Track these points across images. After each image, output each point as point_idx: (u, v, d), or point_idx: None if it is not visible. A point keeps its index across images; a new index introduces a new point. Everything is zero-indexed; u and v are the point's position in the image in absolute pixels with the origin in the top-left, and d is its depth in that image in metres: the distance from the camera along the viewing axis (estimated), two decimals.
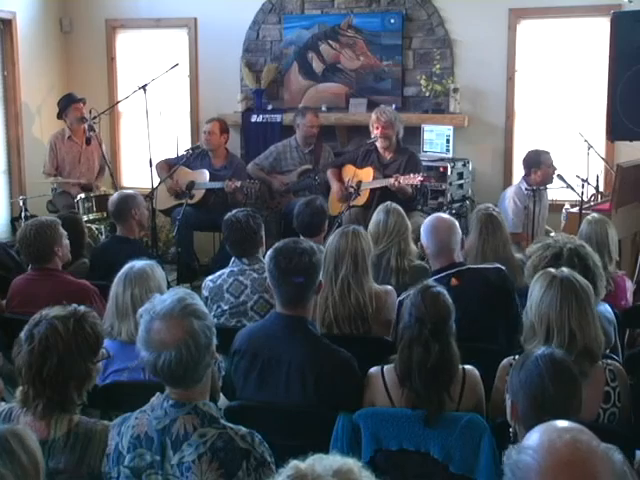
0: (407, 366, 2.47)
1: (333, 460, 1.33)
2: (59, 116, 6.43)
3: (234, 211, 3.81)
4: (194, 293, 2.10)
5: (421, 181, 5.28)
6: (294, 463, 1.33)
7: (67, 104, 6.34)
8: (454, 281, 3.25)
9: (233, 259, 3.70)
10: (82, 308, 2.21)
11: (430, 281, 2.70)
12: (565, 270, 2.61)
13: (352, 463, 1.34)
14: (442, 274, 3.30)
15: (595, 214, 4.20)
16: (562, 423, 1.42)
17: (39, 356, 2.07)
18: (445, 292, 2.59)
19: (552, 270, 2.62)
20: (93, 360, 2.17)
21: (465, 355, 2.55)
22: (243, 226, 3.67)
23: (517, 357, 2.54)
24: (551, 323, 2.50)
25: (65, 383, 2.09)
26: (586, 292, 2.55)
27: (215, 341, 2.03)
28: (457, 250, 3.42)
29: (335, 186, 5.77)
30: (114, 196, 4.61)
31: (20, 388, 2.13)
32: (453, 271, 3.31)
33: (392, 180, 5.30)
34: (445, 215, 3.63)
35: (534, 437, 1.39)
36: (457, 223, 3.50)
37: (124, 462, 1.97)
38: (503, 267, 3.42)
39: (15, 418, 2.10)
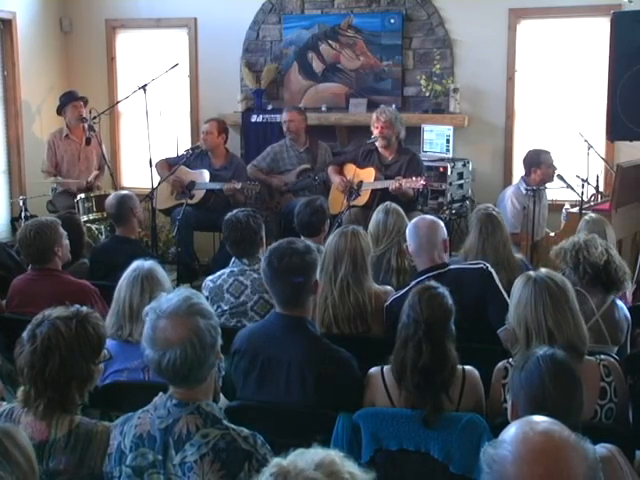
0: (401, 366, 2.48)
1: (314, 453, 1.33)
2: (58, 112, 6.43)
3: (234, 211, 3.81)
4: (199, 293, 2.10)
5: (423, 185, 5.26)
6: (276, 460, 1.33)
7: (67, 101, 6.35)
8: None
9: (233, 259, 3.70)
10: (85, 309, 2.21)
11: (432, 282, 2.70)
12: (543, 270, 2.65)
13: (334, 454, 1.33)
14: (422, 277, 3.27)
15: (593, 214, 4.20)
16: (536, 417, 1.44)
17: (41, 356, 2.07)
18: (446, 293, 2.59)
19: (530, 273, 2.65)
20: (95, 361, 2.17)
21: (465, 356, 2.55)
22: (243, 226, 3.67)
23: (511, 360, 2.56)
24: (529, 325, 2.52)
25: (67, 383, 2.09)
26: (562, 289, 2.57)
27: (220, 341, 2.03)
28: (438, 250, 3.40)
29: (337, 179, 5.75)
30: (111, 199, 4.56)
31: (22, 388, 2.13)
32: (434, 273, 3.28)
33: (394, 182, 5.29)
34: (429, 216, 3.62)
35: (509, 431, 1.41)
36: (441, 224, 3.48)
37: (126, 461, 1.97)
38: (487, 265, 3.34)
39: (16, 418, 2.10)
